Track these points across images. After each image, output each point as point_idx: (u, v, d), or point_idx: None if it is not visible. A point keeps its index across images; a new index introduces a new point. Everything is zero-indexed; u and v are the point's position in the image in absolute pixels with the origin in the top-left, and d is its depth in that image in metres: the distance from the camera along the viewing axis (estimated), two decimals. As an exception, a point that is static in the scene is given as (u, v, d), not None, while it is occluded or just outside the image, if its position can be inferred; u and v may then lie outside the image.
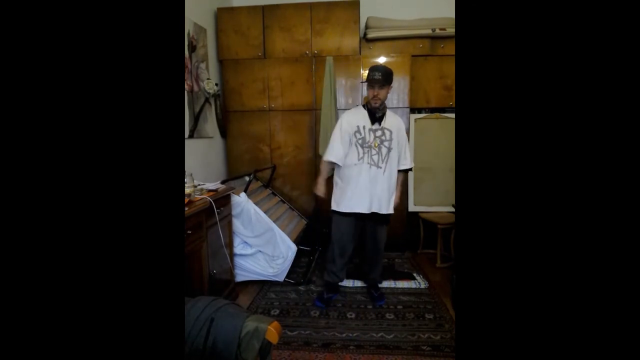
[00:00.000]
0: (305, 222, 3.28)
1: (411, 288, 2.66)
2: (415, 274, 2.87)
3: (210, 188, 2.24)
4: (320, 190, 2.38)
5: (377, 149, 2.24)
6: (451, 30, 3.20)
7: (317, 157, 3.32)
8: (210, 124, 3.12)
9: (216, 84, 3.15)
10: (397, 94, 3.24)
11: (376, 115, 2.25)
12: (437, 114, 3.42)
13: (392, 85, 2.22)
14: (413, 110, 3.36)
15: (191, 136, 2.79)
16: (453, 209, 3.03)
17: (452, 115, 3.38)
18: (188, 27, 2.74)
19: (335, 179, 2.39)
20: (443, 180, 3.43)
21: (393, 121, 2.28)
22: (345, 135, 2.26)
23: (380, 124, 2.25)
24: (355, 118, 2.28)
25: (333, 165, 2.35)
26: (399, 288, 2.66)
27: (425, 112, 3.44)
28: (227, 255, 2.34)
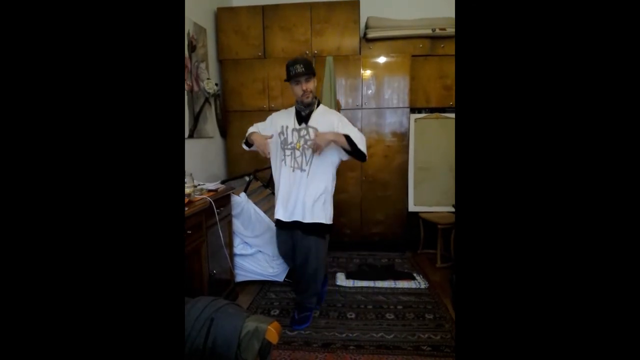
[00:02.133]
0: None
1: (411, 288, 2.65)
2: (415, 274, 2.87)
3: (210, 188, 2.23)
4: (259, 141, 2.04)
5: (300, 150, 2.03)
6: (451, 30, 3.20)
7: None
8: (210, 124, 3.12)
9: (216, 84, 3.14)
10: (397, 93, 3.24)
11: (302, 114, 2.04)
12: (437, 114, 3.42)
13: (315, 80, 2.03)
14: (413, 110, 3.36)
15: (191, 136, 2.79)
16: (453, 209, 3.02)
17: (452, 115, 3.38)
18: (188, 27, 2.74)
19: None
20: (443, 180, 3.42)
21: (322, 118, 2.03)
22: (264, 128, 2.14)
23: (306, 123, 2.04)
24: (281, 118, 2.12)
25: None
26: (399, 288, 2.65)
27: (425, 112, 3.44)
28: (227, 256, 2.34)
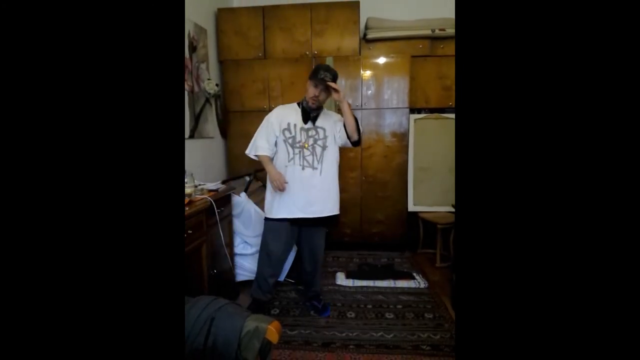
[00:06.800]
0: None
1: (411, 288, 2.66)
2: (414, 274, 2.87)
3: (211, 188, 2.24)
4: (276, 177, 2.05)
5: (310, 149, 2.06)
6: (451, 31, 3.21)
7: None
8: (210, 124, 3.13)
9: (217, 85, 3.15)
10: (397, 94, 3.25)
11: (311, 115, 2.08)
12: (437, 114, 3.42)
13: (330, 95, 2.03)
14: (413, 110, 3.37)
15: (192, 136, 2.79)
16: (452, 209, 3.03)
17: (452, 116, 3.38)
18: (188, 28, 2.75)
19: (268, 182, 2.14)
20: (442, 180, 3.43)
21: (327, 120, 2.11)
22: (271, 131, 2.09)
23: (314, 123, 2.09)
24: (287, 114, 2.10)
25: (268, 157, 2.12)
26: (399, 288, 2.66)
27: (425, 113, 3.44)
28: (228, 255, 2.34)
